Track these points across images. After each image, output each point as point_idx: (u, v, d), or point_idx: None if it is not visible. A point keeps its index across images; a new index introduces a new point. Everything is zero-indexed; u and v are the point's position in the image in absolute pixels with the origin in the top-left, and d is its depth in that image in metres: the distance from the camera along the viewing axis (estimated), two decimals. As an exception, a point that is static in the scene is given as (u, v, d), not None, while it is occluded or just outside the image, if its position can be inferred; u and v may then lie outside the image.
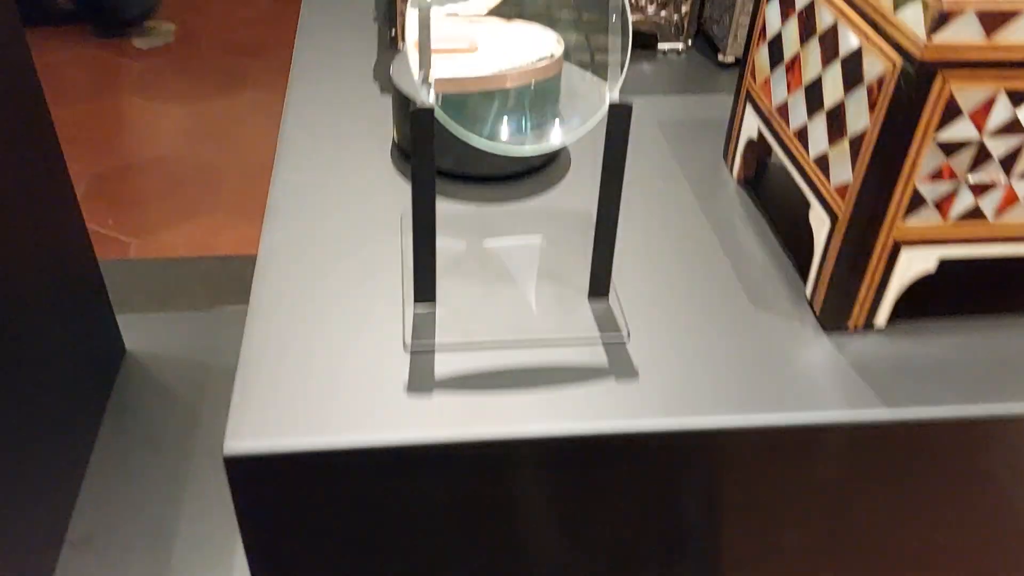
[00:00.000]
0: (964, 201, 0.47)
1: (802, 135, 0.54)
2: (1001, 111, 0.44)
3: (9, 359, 1.00)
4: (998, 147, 0.45)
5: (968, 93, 0.43)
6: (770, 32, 0.57)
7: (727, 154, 0.66)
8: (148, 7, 2.60)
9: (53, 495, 1.13)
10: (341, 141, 0.67)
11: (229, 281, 1.60)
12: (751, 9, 0.60)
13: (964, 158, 0.46)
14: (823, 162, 0.51)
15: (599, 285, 0.52)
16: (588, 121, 0.47)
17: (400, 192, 0.62)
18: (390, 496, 0.47)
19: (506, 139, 0.50)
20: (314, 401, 0.46)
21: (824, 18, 0.50)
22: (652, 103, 0.74)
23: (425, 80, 0.45)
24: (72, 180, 1.26)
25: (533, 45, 0.60)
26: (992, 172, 0.46)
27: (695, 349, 0.51)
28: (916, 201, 0.47)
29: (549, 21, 0.61)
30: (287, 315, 0.51)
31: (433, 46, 0.62)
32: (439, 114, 0.45)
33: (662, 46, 0.80)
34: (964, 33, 0.41)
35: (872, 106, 0.46)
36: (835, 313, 0.52)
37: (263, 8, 2.77)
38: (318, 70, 0.76)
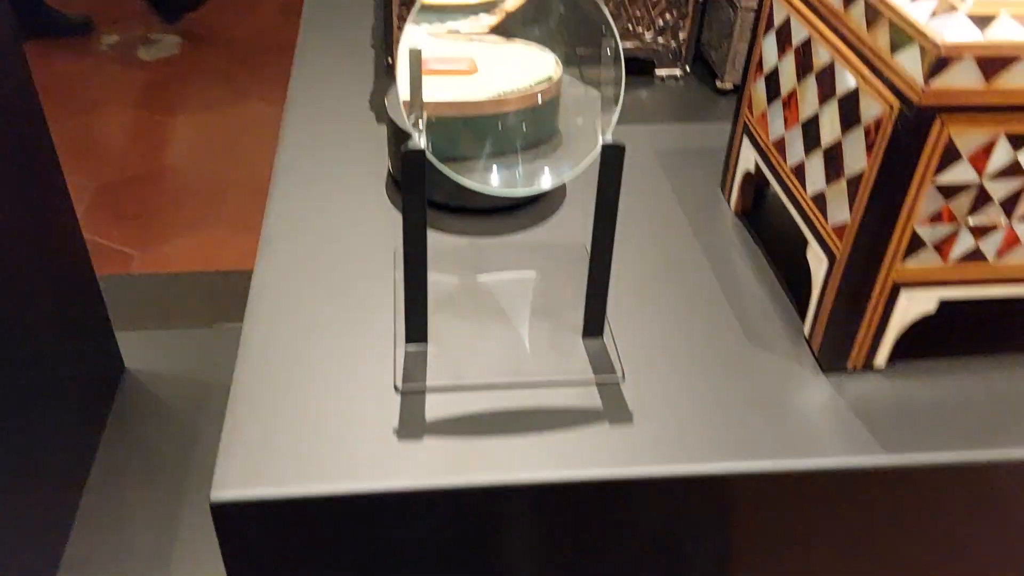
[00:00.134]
0: (964, 243, 0.47)
1: (799, 172, 0.53)
2: (1001, 154, 0.43)
3: (5, 376, 1.00)
4: (998, 190, 0.45)
5: (967, 137, 0.42)
6: (767, 65, 0.57)
7: (724, 185, 0.66)
8: None
9: (49, 516, 1.12)
10: (336, 171, 0.67)
11: (230, 297, 1.59)
12: (749, 36, 0.59)
13: (964, 201, 0.45)
14: (820, 200, 0.51)
15: (593, 326, 0.51)
16: (580, 163, 0.47)
17: (394, 223, 0.62)
18: (379, 541, 0.46)
19: (498, 183, 0.49)
20: (303, 446, 0.45)
21: (821, 56, 0.50)
22: (649, 131, 0.73)
23: (416, 123, 0.45)
24: (75, 192, 1.25)
25: (532, 67, 0.59)
26: (993, 215, 0.45)
27: (691, 390, 0.50)
28: (915, 243, 0.46)
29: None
30: (277, 357, 0.51)
31: (433, 67, 0.62)
32: (430, 156, 0.44)
33: (660, 72, 0.79)
34: (963, 78, 0.40)
35: (870, 148, 0.45)
36: (834, 354, 0.51)
37: (269, 20, 2.77)
38: (314, 98, 0.76)
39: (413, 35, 0.46)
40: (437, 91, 0.57)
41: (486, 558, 0.48)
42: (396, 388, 0.48)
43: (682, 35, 0.77)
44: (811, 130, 0.51)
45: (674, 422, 0.48)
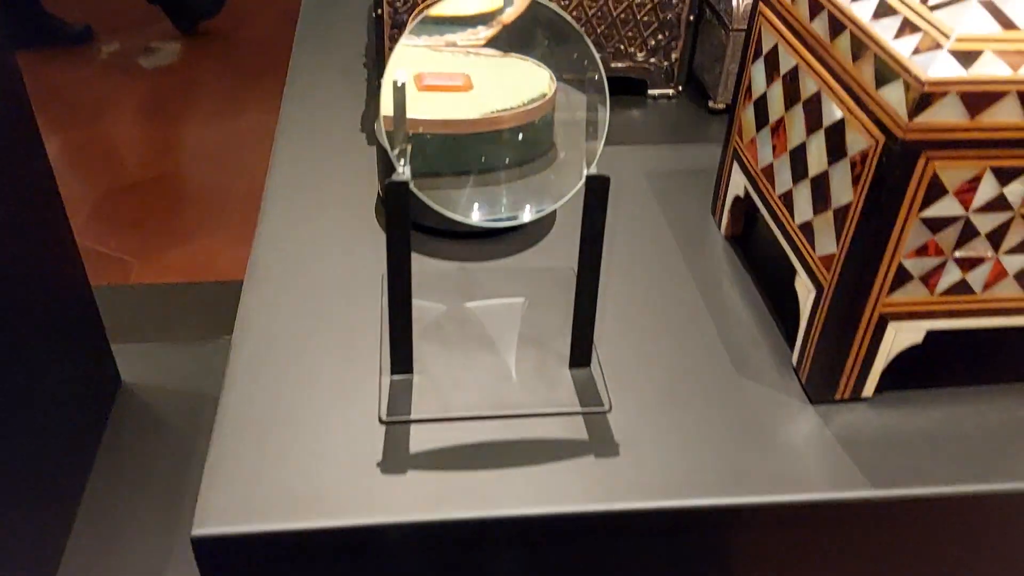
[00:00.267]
0: (951, 275, 0.46)
1: (787, 200, 0.53)
2: (987, 189, 0.43)
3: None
4: (985, 223, 0.44)
5: (953, 172, 0.42)
6: (756, 92, 0.56)
7: (715, 209, 0.65)
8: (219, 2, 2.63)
9: (44, 531, 1.12)
10: (326, 194, 0.67)
11: (229, 308, 1.59)
12: (740, 58, 0.59)
13: (950, 234, 0.45)
14: (808, 230, 0.50)
15: (580, 356, 0.51)
16: (563, 197, 0.47)
17: (383, 248, 0.61)
18: (362, 575, 0.46)
19: (480, 216, 0.49)
20: (286, 480, 0.45)
21: (808, 86, 0.49)
22: (640, 152, 0.73)
23: (400, 155, 0.45)
24: (75, 201, 1.25)
25: (527, 84, 0.59)
26: (979, 248, 0.45)
27: (678, 421, 0.50)
28: (902, 275, 0.46)
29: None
30: (262, 389, 0.50)
31: (428, 82, 0.62)
32: (414, 188, 0.44)
33: (652, 92, 0.79)
34: (947, 114, 0.40)
35: (856, 180, 0.45)
36: (822, 384, 0.51)
37: (269, 29, 2.78)
38: (306, 119, 0.76)
39: (401, 58, 0.46)
40: (431, 109, 0.57)
41: (470, 591, 0.48)
42: (381, 419, 0.48)
43: (674, 55, 0.77)
44: (799, 159, 0.51)
45: (660, 455, 0.48)
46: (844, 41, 0.45)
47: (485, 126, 0.59)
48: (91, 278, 1.34)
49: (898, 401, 0.51)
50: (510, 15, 0.57)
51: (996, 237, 0.45)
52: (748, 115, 0.58)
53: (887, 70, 0.42)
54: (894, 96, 0.41)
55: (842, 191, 0.46)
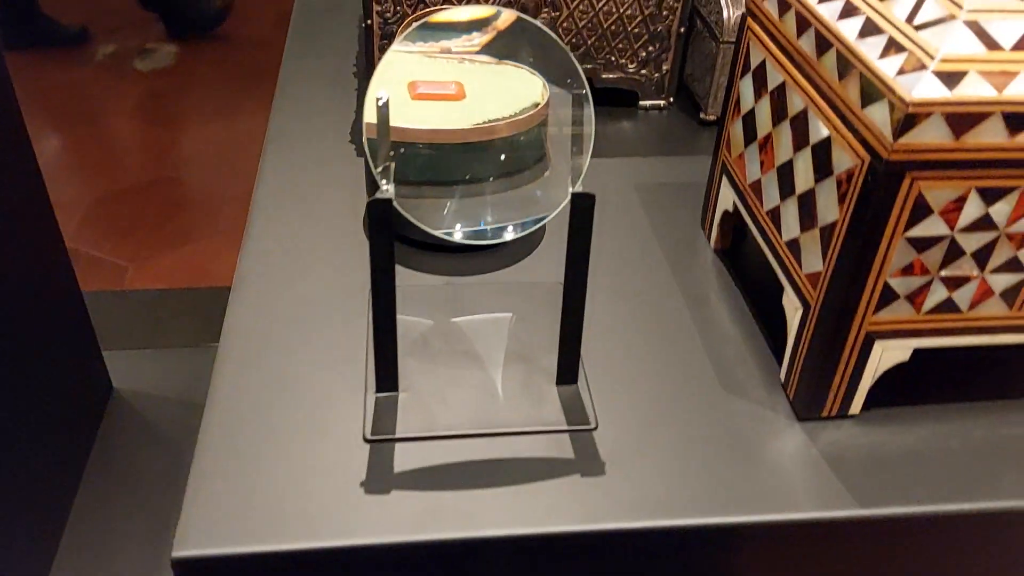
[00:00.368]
0: (938, 294, 0.46)
1: (775, 216, 0.53)
2: (973, 209, 0.43)
3: (-10, 403, 1.00)
4: (971, 243, 0.44)
5: (938, 192, 0.42)
6: (744, 107, 0.56)
7: (704, 222, 0.65)
8: (221, 15, 2.62)
9: (34, 539, 1.12)
10: (314, 206, 0.66)
11: (221, 315, 1.58)
12: (730, 71, 0.59)
13: (936, 254, 0.44)
14: (795, 247, 0.50)
15: (567, 373, 0.51)
16: (548, 215, 0.46)
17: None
18: (347, 595, 0.46)
19: (463, 235, 0.49)
20: (268, 500, 0.45)
21: (795, 103, 0.49)
22: (630, 164, 0.72)
23: (384, 172, 0.45)
24: (70, 205, 1.24)
25: (520, 93, 0.59)
26: (965, 267, 0.45)
27: (665, 439, 0.50)
28: (888, 294, 0.46)
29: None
30: (245, 406, 0.50)
31: (421, 91, 0.62)
32: (398, 206, 0.44)
33: (643, 103, 0.78)
34: (932, 134, 0.40)
35: (841, 199, 0.45)
36: (809, 402, 0.50)
37: (265, 31, 2.77)
38: (294, 130, 0.75)
39: (391, 65, 0.46)
40: (422, 118, 0.57)
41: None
42: (365, 438, 0.48)
43: (665, 67, 0.76)
44: (786, 176, 0.51)
45: (647, 473, 0.48)
46: (830, 59, 0.45)
47: (476, 136, 0.59)
48: (86, 282, 1.34)
49: (885, 418, 0.51)
50: (505, 21, 0.57)
51: (982, 256, 0.45)
52: (737, 130, 0.58)
53: (872, 90, 0.41)
54: (879, 116, 0.41)
55: (828, 209, 0.46)
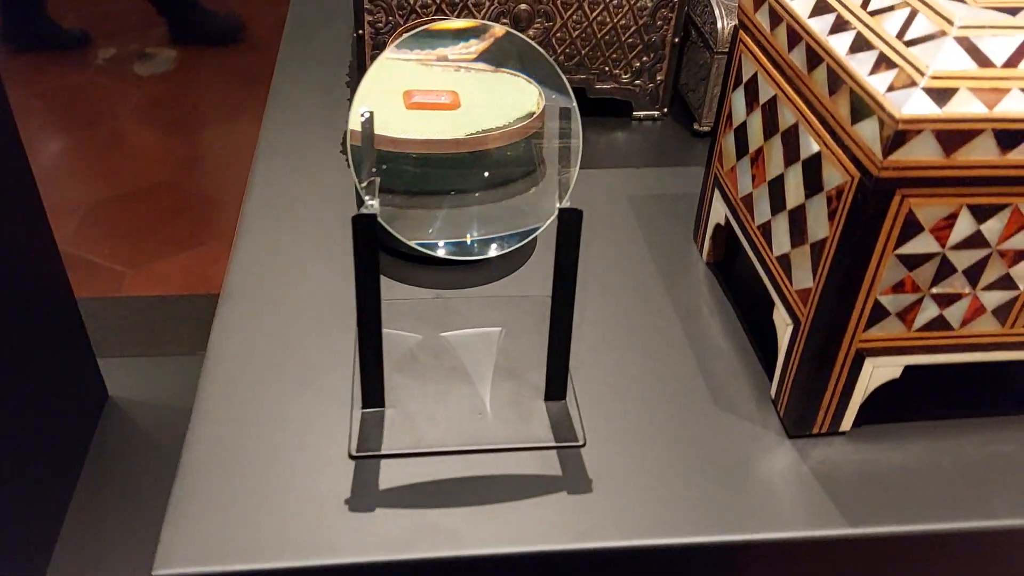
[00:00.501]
0: (929, 312, 0.46)
1: (766, 231, 0.52)
2: (964, 226, 0.42)
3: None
4: (962, 260, 0.44)
5: (928, 209, 0.41)
6: (736, 120, 0.56)
7: (697, 235, 0.65)
8: (234, 32, 2.62)
9: (29, 548, 1.11)
10: (304, 216, 0.66)
11: (218, 320, 1.58)
12: (722, 82, 0.58)
13: (927, 271, 0.44)
14: (786, 262, 0.50)
15: (555, 389, 0.50)
16: (534, 231, 0.46)
17: (361, 274, 0.61)
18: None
19: (447, 249, 0.49)
20: (251, 517, 0.44)
21: (786, 117, 0.49)
22: (623, 176, 0.72)
23: (369, 188, 0.44)
24: (68, 209, 1.23)
25: (515, 102, 0.58)
26: (956, 285, 0.45)
27: (654, 456, 0.49)
28: (879, 312, 0.45)
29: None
30: (230, 421, 0.50)
31: (417, 100, 0.61)
32: (382, 221, 0.44)
33: (637, 113, 0.78)
34: (922, 151, 0.40)
35: (832, 215, 0.44)
36: (799, 418, 0.50)
37: (265, 36, 2.77)
38: (287, 137, 0.75)
39: (381, 71, 0.45)
40: (415, 128, 0.56)
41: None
42: (350, 455, 0.48)
43: (659, 77, 0.76)
44: (777, 191, 0.50)
45: (634, 491, 0.47)
46: (821, 74, 0.45)
47: (468, 146, 0.58)
48: (83, 287, 1.33)
49: (876, 435, 0.51)
50: (502, 28, 0.56)
51: (973, 273, 0.44)
52: (729, 143, 0.57)
53: (862, 106, 0.41)
54: (869, 132, 0.40)
55: (818, 225, 0.46)
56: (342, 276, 0.60)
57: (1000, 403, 0.53)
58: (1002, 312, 0.46)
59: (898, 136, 0.39)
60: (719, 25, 0.70)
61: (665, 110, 0.78)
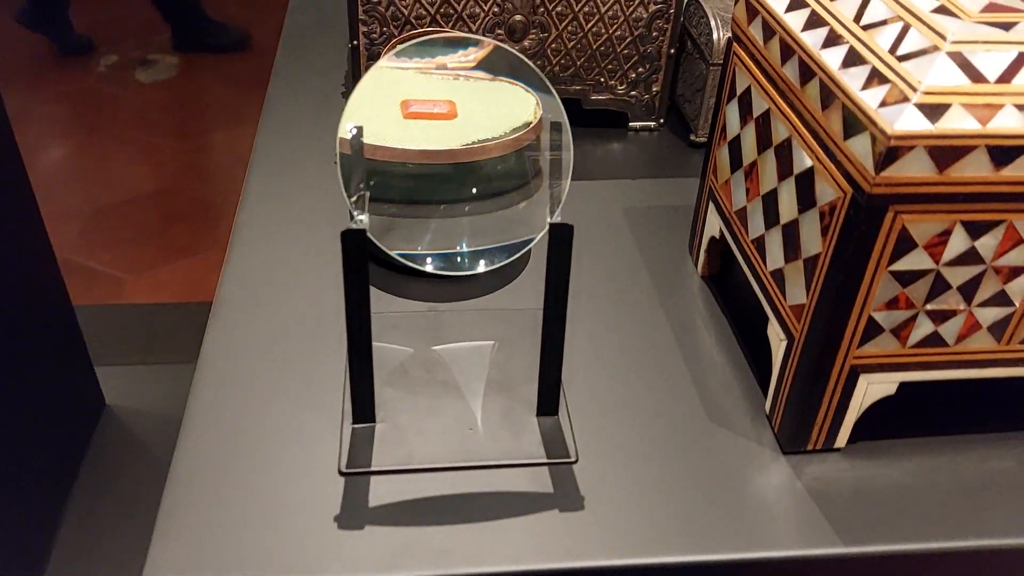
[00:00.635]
0: (923, 328, 0.45)
1: (760, 245, 0.52)
2: (958, 243, 0.42)
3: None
4: (956, 277, 0.43)
5: (922, 226, 0.41)
6: (730, 133, 0.55)
7: (692, 247, 0.64)
8: (237, 45, 2.62)
9: (24, 556, 1.11)
10: (297, 230, 0.66)
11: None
12: (717, 95, 0.58)
13: (921, 287, 0.43)
14: (779, 277, 0.49)
15: (547, 405, 0.50)
16: (524, 247, 0.46)
17: (354, 287, 0.60)
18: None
19: (435, 265, 0.48)
20: (239, 533, 0.44)
21: (780, 131, 0.48)
22: (619, 187, 0.72)
23: (359, 203, 0.44)
24: (70, 215, 1.22)
25: (511, 111, 0.58)
26: (951, 301, 0.44)
27: (646, 472, 0.49)
28: (873, 328, 0.45)
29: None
30: (220, 435, 0.49)
31: (413, 109, 0.61)
32: (371, 236, 0.43)
33: (633, 124, 0.78)
34: (915, 168, 0.39)
35: (824, 231, 0.44)
36: (794, 435, 0.49)
37: (266, 44, 2.78)
38: (282, 148, 0.75)
39: (377, 79, 0.45)
40: (410, 138, 0.56)
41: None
42: (340, 471, 0.47)
43: (655, 88, 0.76)
44: (771, 205, 0.50)
45: (627, 508, 0.47)
46: (814, 88, 0.44)
47: (465, 156, 0.58)
48: (83, 294, 1.32)
49: (871, 451, 0.50)
50: (482, 54, 0.56)
51: (968, 290, 0.44)
52: (723, 155, 0.57)
53: (854, 121, 0.41)
54: (861, 148, 0.40)
55: (811, 241, 0.45)
56: (335, 287, 0.60)
57: (996, 420, 0.52)
58: (998, 328, 0.46)
59: (890, 152, 0.39)
60: (714, 36, 0.70)
61: (661, 121, 0.78)
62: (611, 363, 0.56)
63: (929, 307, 0.44)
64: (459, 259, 0.49)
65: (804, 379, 0.47)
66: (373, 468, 0.47)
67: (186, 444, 0.49)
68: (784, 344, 0.49)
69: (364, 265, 0.44)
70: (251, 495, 0.46)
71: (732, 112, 0.55)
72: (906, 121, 0.38)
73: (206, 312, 0.59)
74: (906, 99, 0.39)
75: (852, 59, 0.42)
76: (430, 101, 0.60)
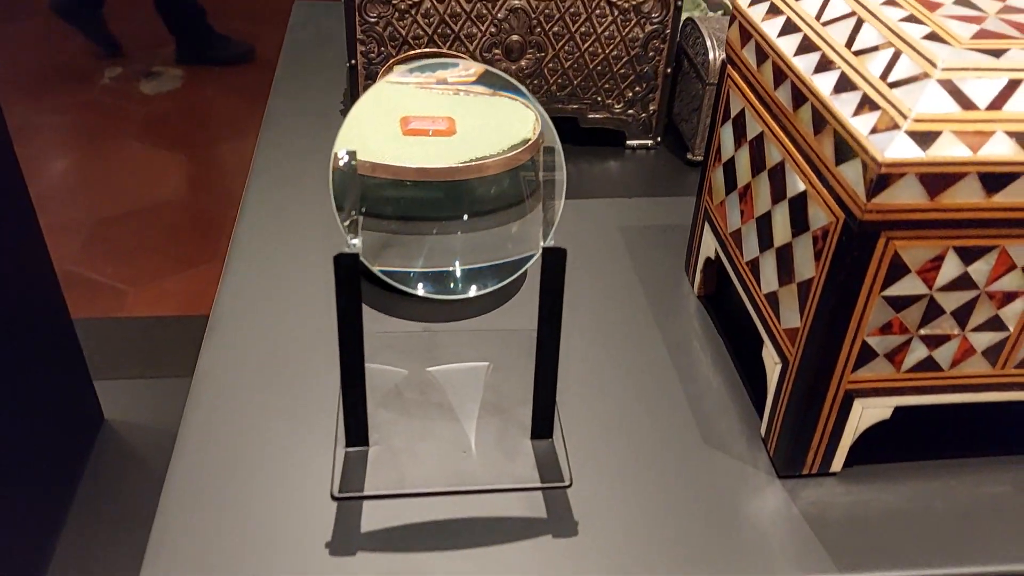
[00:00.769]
0: (918, 353, 0.45)
1: (754, 268, 0.52)
2: (951, 268, 0.42)
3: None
4: (950, 302, 0.43)
5: (914, 252, 0.41)
6: (725, 154, 0.55)
7: (688, 267, 0.64)
8: (241, 59, 2.63)
9: (23, 572, 1.10)
10: (295, 245, 0.66)
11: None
12: (712, 115, 0.58)
13: (915, 313, 0.43)
14: (773, 300, 0.49)
15: (541, 428, 0.50)
16: (517, 271, 0.46)
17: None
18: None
19: (428, 289, 0.48)
20: (230, 558, 0.44)
21: (773, 154, 0.48)
22: (616, 205, 0.72)
23: (351, 227, 0.44)
24: (72, 227, 1.22)
25: (511, 128, 0.58)
26: (945, 326, 0.44)
27: (641, 496, 0.48)
28: (867, 353, 0.45)
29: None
30: (213, 457, 0.49)
31: (413, 126, 0.61)
32: (364, 259, 0.43)
33: (631, 143, 0.78)
34: (906, 194, 0.39)
35: (818, 255, 0.44)
36: (789, 458, 0.49)
37: (271, 56, 2.79)
38: (280, 165, 0.75)
39: (379, 95, 0.45)
40: (408, 155, 0.56)
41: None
42: (332, 496, 0.47)
43: (652, 107, 0.76)
44: (765, 228, 0.50)
45: (621, 532, 0.46)
46: (806, 113, 0.44)
47: (463, 174, 0.58)
48: (85, 306, 1.32)
49: (867, 475, 0.50)
50: (482, 70, 0.56)
51: (962, 315, 0.44)
52: (718, 177, 0.57)
53: (846, 147, 0.41)
54: (852, 174, 0.40)
55: (805, 265, 0.45)
56: (331, 304, 0.60)
57: (992, 444, 0.52)
58: (992, 353, 0.45)
59: (881, 179, 0.39)
60: (711, 56, 0.70)
61: (659, 139, 0.78)
62: (606, 384, 0.55)
63: (923, 332, 0.44)
64: (451, 283, 0.49)
65: (799, 403, 0.47)
66: (366, 492, 0.47)
67: (179, 465, 0.49)
68: (779, 368, 0.49)
69: (357, 288, 0.44)
70: (242, 520, 0.46)
71: (727, 134, 0.55)
72: (897, 148, 0.38)
73: (204, 326, 0.59)
74: (897, 126, 0.39)
75: (844, 85, 0.42)
76: (429, 118, 0.60)
